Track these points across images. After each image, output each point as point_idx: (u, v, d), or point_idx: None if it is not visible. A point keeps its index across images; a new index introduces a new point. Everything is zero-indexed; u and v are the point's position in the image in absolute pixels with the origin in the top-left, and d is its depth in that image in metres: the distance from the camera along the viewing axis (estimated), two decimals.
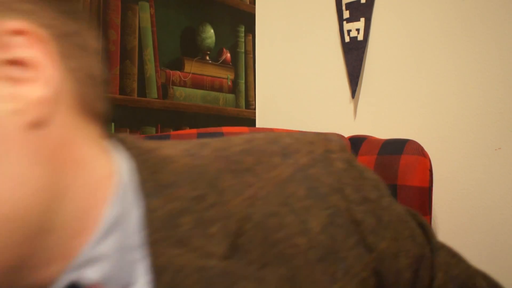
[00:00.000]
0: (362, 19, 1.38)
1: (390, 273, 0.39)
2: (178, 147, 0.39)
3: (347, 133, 1.20)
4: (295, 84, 1.56)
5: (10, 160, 0.29)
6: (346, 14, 1.41)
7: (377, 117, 1.36)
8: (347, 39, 1.41)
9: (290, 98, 1.57)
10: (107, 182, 0.34)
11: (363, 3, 1.38)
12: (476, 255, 1.13)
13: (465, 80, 1.19)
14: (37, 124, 0.31)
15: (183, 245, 0.34)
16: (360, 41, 1.38)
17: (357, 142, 1.13)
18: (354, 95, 1.39)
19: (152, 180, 0.36)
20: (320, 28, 1.50)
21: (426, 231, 0.44)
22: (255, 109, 1.69)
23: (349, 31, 1.41)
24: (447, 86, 1.22)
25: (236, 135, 0.42)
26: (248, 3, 1.69)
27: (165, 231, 0.34)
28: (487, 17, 1.15)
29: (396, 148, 1.02)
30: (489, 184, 1.13)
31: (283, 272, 0.36)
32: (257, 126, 1.69)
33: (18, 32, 0.30)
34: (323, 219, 0.38)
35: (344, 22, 1.42)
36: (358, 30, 1.38)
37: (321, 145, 0.41)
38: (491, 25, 1.15)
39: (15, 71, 0.30)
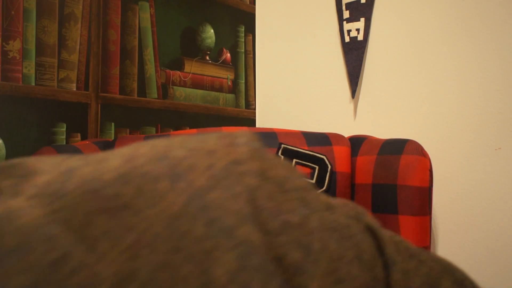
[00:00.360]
0: (362, 19, 1.38)
1: None
2: (32, 186, 0.28)
3: (347, 133, 1.20)
4: (295, 84, 1.56)
5: None
6: (346, 14, 1.41)
7: (377, 117, 1.36)
8: (347, 39, 1.41)
9: (290, 98, 1.57)
10: None
11: (363, 3, 1.38)
12: (476, 255, 1.13)
13: (465, 80, 1.19)
14: None
15: None
16: (360, 41, 1.38)
17: (357, 142, 1.13)
18: (354, 95, 1.39)
19: None
20: (320, 28, 1.50)
21: (377, 236, 0.36)
22: (255, 109, 1.69)
23: (349, 31, 1.41)
24: (447, 86, 1.22)
25: (114, 151, 0.32)
26: (248, 3, 1.69)
27: None
28: (487, 17, 1.15)
29: (396, 148, 1.01)
30: (489, 184, 1.13)
31: None
32: (257, 126, 1.69)
33: None
34: (231, 263, 0.28)
35: (344, 22, 1.42)
36: (358, 30, 1.38)
37: (224, 154, 0.31)
38: (491, 25, 1.15)
39: None
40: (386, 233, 0.37)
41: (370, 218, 0.37)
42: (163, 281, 0.26)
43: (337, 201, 0.37)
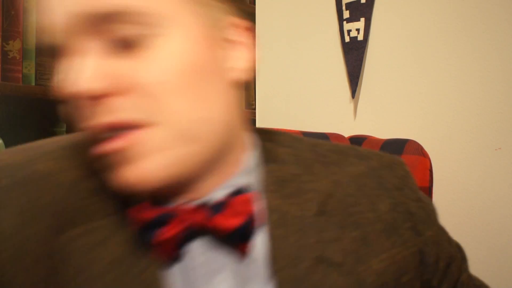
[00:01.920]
0: (362, 19, 1.38)
1: (431, 255, 0.50)
2: (283, 139, 0.52)
3: (347, 133, 1.20)
4: (295, 84, 1.56)
5: (220, 99, 0.42)
6: (346, 14, 1.41)
7: (377, 117, 1.36)
8: (347, 39, 1.41)
9: (290, 98, 1.57)
10: (248, 146, 0.48)
11: (363, 3, 1.38)
12: (476, 255, 1.13)
13: (465, 80, 1.19)
14: (236, 84, 0.44)
15: (288, 199, 0.46)
16: (360, 41, 1.38)
17: (357, 142, 1.13)
18: (354, 95, 1.39)
19: (269, 155, 0.49)
20: (320, 28, 1.50)
21: (461, 251, 0.58)
22: (255, 109, 1.69)
23: (349, 31, 1.41)
24: (447, 86, 1.22)
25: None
26: (248, 3, 1.69)
27: (276, 187, 0.46)
28: (487, 17, 1.15)
29: (396, 148, 1.02)
30: (489, 184, 1.13)
31: (356, 234, 0.46)
32: (257, 126, 1.69)
33: (236, 26, 0.44)
34: (388, 205, 0.49)
35: (344, 22, 1.42)
36: (358, 30, 1.38)
37: (388, 159, 0.53)
38: (491, 25, 1.15)
39: (230, 48, 0.43)
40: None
41: (460, 247, 0.60)
42: (349, 201, 0.48)
43: None
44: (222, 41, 0.43)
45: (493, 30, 1.14)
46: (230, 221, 0.41)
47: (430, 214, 0.53)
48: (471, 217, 1.15)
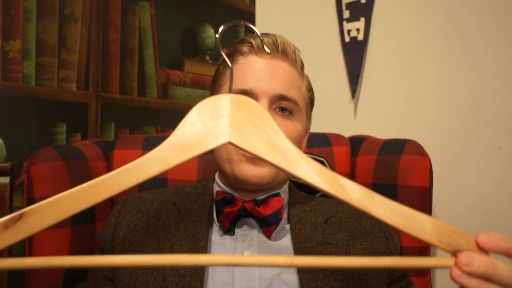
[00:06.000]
0: (362, 19, 1.38)
1: (396, 253, 0.74)
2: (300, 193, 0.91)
3: (347, 133, 1.20)
4: None
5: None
6: (346, 14, 1.41)
7: (377, 117, 1.36)
8: (347, 39, 1.41)
9: None
10: (287, 186, 0.83)
11: (363, 3, 1.37)
12: None
13: (465, 80, 1.19)
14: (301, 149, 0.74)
15: (304, 212, 0.77)
16: (360, 41, 1.38)
17: (357, 142, 1.13)
18: (354, 95, 1.39)
19: (295, 193, 0.83)
20: (320, 28, 1.50)
21: None
22: None
23: (349, 31, 1.41)
24: (447, 86, 1.22)
25: None
26: (248, 3, 1.69)
27: (296, 205, 0.78)
28: (486, 17, 1.15)
29: (396, 148, 1.01)
30: (489, 184, 1.13)
31: (347, 234, 0.74)
32: None
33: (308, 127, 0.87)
34: (369, 222, 0.78)
35: (344, 22, 1.42)
36: (358, 30, 1.38)
37: None
38: (491, 25, 1.15)
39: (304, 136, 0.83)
40: None
41: None
42: (345, 220, 0.79)
43: None
44: (306, 131, 0.82)
45: (493, 30, 1.14)
46: (265, 211, 0.72)
47: (391, 230, 0.76)
48: (470, 217, 1.15)
